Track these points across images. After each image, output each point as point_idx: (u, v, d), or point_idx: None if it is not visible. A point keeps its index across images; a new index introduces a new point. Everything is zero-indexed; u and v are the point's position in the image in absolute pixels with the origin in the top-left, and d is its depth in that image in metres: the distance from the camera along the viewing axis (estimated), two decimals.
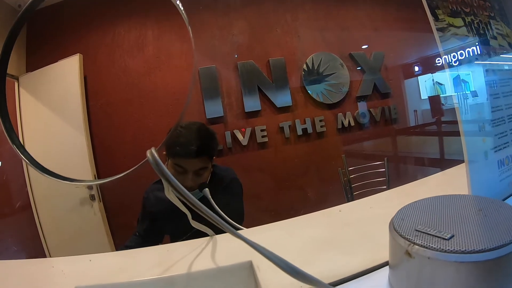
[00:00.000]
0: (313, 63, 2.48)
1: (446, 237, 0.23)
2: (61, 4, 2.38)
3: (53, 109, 2.39)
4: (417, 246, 0.23)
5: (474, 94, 0.54)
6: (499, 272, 0.21)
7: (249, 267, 0.37)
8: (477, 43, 0.59)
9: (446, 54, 0.55)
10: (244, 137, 2.21)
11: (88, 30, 2.33)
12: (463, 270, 0.21)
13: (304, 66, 2.44)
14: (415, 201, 0.31)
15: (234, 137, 2.21)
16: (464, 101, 0.54)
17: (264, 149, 2.28)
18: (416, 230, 0.25)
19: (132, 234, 0.98)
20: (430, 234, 0.24)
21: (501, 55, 0.59)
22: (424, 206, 0.29)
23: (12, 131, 0.46)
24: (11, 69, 2.62)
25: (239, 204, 1.00)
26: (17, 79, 2.60)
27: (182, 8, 0.39)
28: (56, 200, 2.45)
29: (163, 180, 0.39)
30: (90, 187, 2.32)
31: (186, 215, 0.90)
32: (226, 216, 0.58)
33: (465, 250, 0.22)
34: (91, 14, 2.34)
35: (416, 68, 3.21)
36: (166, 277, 0.38)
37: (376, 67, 2.76)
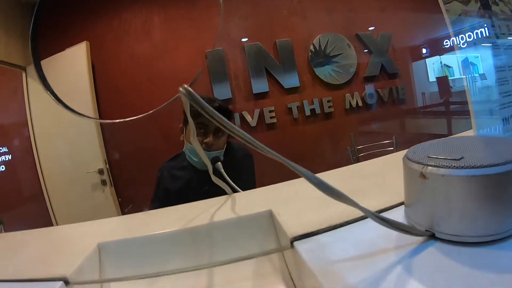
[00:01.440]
0: (320, 44, 2.46)
1: (457, 158, 0.25)
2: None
3: (62, 97, 2.40)
4: (430, 167, 0.25)
5: (483, 77, 0.54)
6: (507, 184, 0.23)
7: (269, 215, 0.39)
8: (485, 25, 0.58)
9: (455, 35, 0.55)
10: (252, 119, 2.21)
11: (94, 17, 2.33)
12: (474, 184, 0.23)
13: (311, 47, 2.42)
14: (425, 142, 0.32)
15: (242, 118, 2.22)
16: (473, 84, 0.55)
17: (273, 130, 2.28)
18: (428, 157, 0.26)
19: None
20: (442, 158, 0.26)
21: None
22: (434, 144, 0.31)
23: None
24: (18, 59, 2.63)
25: (251, 179, 1.02)
26: (25, 70, 2.62)
27: None
28: (68, 187, 2.48)
29: (190, 122, 0.41)
30: (101, 172, 2.35)
31: (201, 191, 0.91)
32: (236, 187, 0.60)
33: (475, 165, 0.23)
34: (96, 1, 2.34)
35: (424, 50, 3.17)
36: (190, 228, 0.39)
37: (383, 48, 2.73)
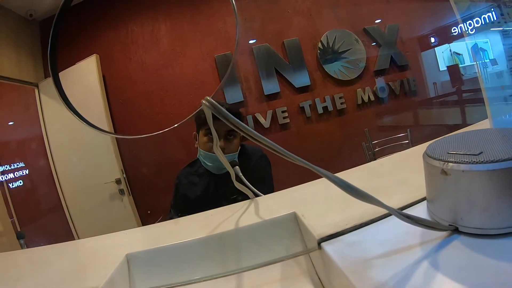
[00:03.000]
0: (328, 41, 2.44)
1: (476, 153, 0.25)
2: (71, 8, 2.41)
3: (76, 108, 2.44)
4: (451, 164, 0.25)
5: (494, 62, 0.53)
6: None
7: (294, 217, 0.38)
8: (492, 9, 0.57)
9: (463, 22, 0.53)
10: (265, 120, 2.20)
11: (102, 30, 2.36)
12: (494, 178, 0.23)
13: (319, 45, 2.40)
14: (442, 137, 0.33)
15: (255, 120, 2.21)
16: (484, 70, 0.53)
17: (286, 130, 2.27)
18: (448, 153, 0.27)
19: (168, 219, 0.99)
20: (461, 154, 0.26)
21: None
22: (452, 139, 0.31)
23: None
24: (29, 76, 2.68)
25: (269, 179, 1.02)
26: (37, 86, 2.67)
27: None
28: (86, 198, 2.51)
29: (213, 132, 0.43)
30: (118, 182, 2.37)
31: (219, 196, 0.91)
32: (256, 190, 0.59)
33: (494, 159, 0.24)
34: (102, 14, 2.37)
35: (433, 39, 3.12)
36: (216, 235, 0.38)
37: (392, 40, 2.69)
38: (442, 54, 3.21)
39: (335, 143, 2.36)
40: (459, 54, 3.27)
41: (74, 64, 2.39)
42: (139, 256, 0.38)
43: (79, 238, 2.51)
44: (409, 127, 2.39)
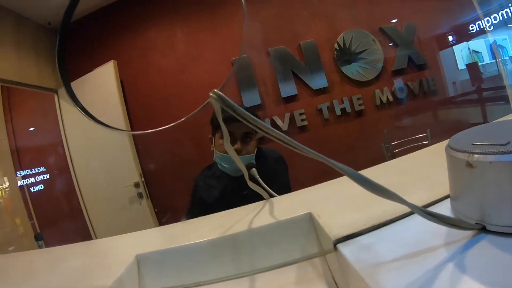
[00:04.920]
0: (344, 42, 2.41)
1: (504, 143, 0.23)
2: (89, 16, 2.46)
3: (95, 113, 2.48)
4: (477, 155, 0.23)
5: None
6: None
7: (309, 218, 0.37)
8: (509, 4, 0.53)
9: (480, 19, 0.50)
10: (283, 123, 2.19)
11: (119, 36, 2.39)
12: None
13: (336, 46, 2.38)
14: (466, 129, 0.31)
15: (273, 123, 2.20)
16: (504, 67, 0.50)
17: (305, 132, 2.24)
18: (473, 144, 0.25)
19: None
20: (488, 144, 0.24)
21: None
22: (476, 130, 0.29)
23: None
24: (49, 83, 2.74)
25: (286, 181, 1.01)
26: (56, 92, 2.72)
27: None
28: (106, 202, 2.54)
29: (222, 128, 0.41)
30: (137, 185, 2.39)
31: (237, 198, 0.90)
32: (272, 192, 0.58)
33: None
34: (120, 21, 2.40)
35: (450, 38, 3.05)
36: (229, 235, 0.38)
37: (409, 39, 2.64)
38: (461, 53, 3.13)
39: (354, 145, 2.32)
40: (477, 52, 3.19)
41: (92, 70, 2.44)
42: (149, 257, 0.38)
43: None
44: (429, 127, 2.34)
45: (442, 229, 0.25)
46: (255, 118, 0.30)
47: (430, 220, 0.24)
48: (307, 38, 2.33)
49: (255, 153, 0.93)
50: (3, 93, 2.83)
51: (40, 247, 2.35)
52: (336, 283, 0.33)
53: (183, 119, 0.39)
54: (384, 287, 0.21)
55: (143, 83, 2.29)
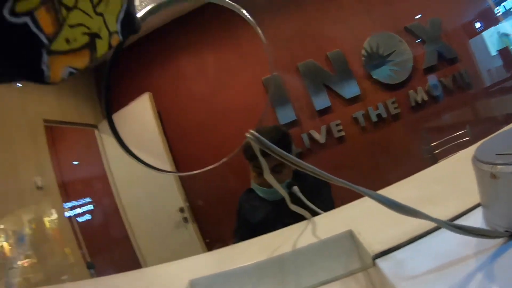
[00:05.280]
0: (371, 47, 2.39)
1: None
2: (120, 51, 2.58)
3: (135, 146, 2.56)
4: (499, 166, 0.24)
5: None
6: None
7: (350, 235, 0.39)
8: None
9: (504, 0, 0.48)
10: (320, 135, 2.19)
11: (151, 68, 2.50)
12: None
13: (363, 52, 2.36)
14: (492, 136, 0.32)
15: (311, 137, 2.21)
16: None
17: (343, 143, 2.24)
18: (497, 154, 0.26)
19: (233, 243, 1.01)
20: (510, 154, 0.25)
21: None
22: (501, 137, 0.30)
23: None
24: (89, 119, 2.89)
25: (328, 194, 1.01)
26: (96, 127, 2.87)
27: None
28: (152, 228, 2.63)
29: (261, 161, 0.43)
30: (182, 210, 2.47)
31: (281, 218, 0.91)
32: (317, 208, 0.60)
33: None
34: (149, 54, 2.51)
35: (478, 24, 2.94)
36: (275, 257, 0.39)
37: (436, 34, 2.58)
38: (491, 38, 3.01)
39: (393, 150, 2.28)
40: (508, 35, 3.05)
41: (128, 104, 2.55)
42: (201, 282, 0.40)
43: (147, 267, 2.63)
44: (468, 123, 2.26)
45: (474, 238, 0.26)
46: (288, 154, 0.33)
47: (457, 232, 0.25)
48: (333, 48, 2.33)
49: (291, 177, 0.94)
50: (47, 131, 3.02)
51: (92, 275, 2.45)
52: None
53: (224, 159, 0.42)
54: None
55: (178, 111, 2.38)
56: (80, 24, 0.18)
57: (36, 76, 0.17)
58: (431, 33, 2.55)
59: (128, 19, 0.22)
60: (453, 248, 0.27)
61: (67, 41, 0.17)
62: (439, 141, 2.26)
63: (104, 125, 2.79)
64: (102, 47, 0.20)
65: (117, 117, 2.60)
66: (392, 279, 0.26)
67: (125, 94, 2.54)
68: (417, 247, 0.30)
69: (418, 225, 0.32)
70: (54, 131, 3.02)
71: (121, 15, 0.21)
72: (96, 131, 2.87)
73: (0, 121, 2.19)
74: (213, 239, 2.33)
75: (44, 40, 0.16)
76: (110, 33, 0.20)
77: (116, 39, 0.21)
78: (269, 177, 0.46)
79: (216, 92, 2.32)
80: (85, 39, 0.19)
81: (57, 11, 0.16)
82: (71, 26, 0.17)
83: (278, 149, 0.34)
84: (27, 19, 0.14)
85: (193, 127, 2.33)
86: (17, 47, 0.15)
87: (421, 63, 2.47)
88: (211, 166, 0.42)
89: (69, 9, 0.17)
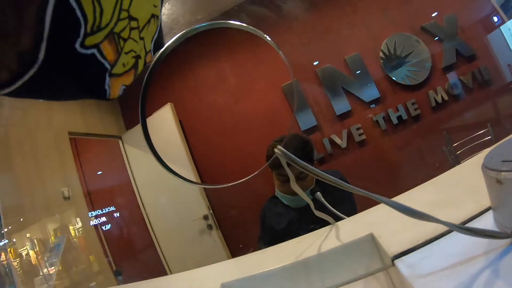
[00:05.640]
0: (388, 48, 2.39)
1: None
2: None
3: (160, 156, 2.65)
4: (504, 172, 0.26)
5: None
6: None
7: (371, 238, 0.41)
8: None
9: None
10: (342, 140, 2.21)
11: (171, 79, 2.57)
12: None
13: (381, 54, 2.37)
14: (500, 143, 0.34)
15: (332, 142, 2.23)
16: None
17: (364, 146, 2.24)
18: (502, 161, 0.27)
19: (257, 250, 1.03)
20: None
21: None
22: (508, 144, 0.32)
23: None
24: (113, 130, 2.98)
25: (350, 201, 1.02)
26: (120, 138, 2.96)
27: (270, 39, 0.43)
28: (177, 236, 2.69)
29: (288, 173, 0.48)
30: (206, 218, 2.52)
31: (305, 224, 0.93)
32: (340, 214, 0.62)
33: None
34: (169, 64, 2.58)
35: (495, 19, 2.89)
36: (300, 261, 0.42)
37: (452, 32, 2.55)
38: (509, 31, 2.95)
39: (416, 152, 2.28)
40: None
41: (151, 114, 2.63)
42: (233, 285, 0.42)
43: (172, 274, 2.69)
44: (490, 121, 2.23)
45: (484, 239, 0.28)
46: (312, 167, 0.37)
47: (467, 234, 0.27)
48: (351, 51, 2.34)
49: (314, 184, 0.97)
50: (72, 143, 3.13)
51: (120, 282, 2.50)
52: None
53: (250, 176, 0.44)
54: None
55: (200, 120, 2.43)
56: (131, 50, 0.21)
57: (100, 94, 0.20)
58: (448, 31, 2.52)
59: (159, 39, 0.25)
60: (464, 248, 0.29)
61: (123, 65, 0.21)
62: (461, 141, 2.24)
63: (128, 136, 2.87)
64: (141, 65, 0.24)
65: (141, 127, 2.68)
66: (409, 277, 0.28)
67: (148, 105, 2.59)
68: (432, 248, 0.32)
69: (433, 228, 0.34)
70: (78, 143, 3.13)
71: (155, 36, 0.25)
72: (120, 142, 2.96)
73: (28, 135, 2.28)
74: (245, 245, 2.36)
75: (107, 66, 0.19)
76: (146, 53, 0.24)
77: (149, 57, 0.25)
78: (295, 187, 0.51)
79: (236, 100, 2.37)
80: (133, 61, 0.22)
81: (117, 43, 0.19)
82: (126, 53, 0.21)
83: (304, 163, 0.37)
84: (94, 51, 0.18)
85: (215, 136, 2.39)
86: (86, 72, 0.18)
87: (440, 62, 2.45)
88: (239, 181, 0.45)
89: (125, 40, 0.20)
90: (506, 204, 0.28)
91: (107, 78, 0.20)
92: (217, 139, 2.38)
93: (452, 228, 0.28)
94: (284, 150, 0.39)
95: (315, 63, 2.33)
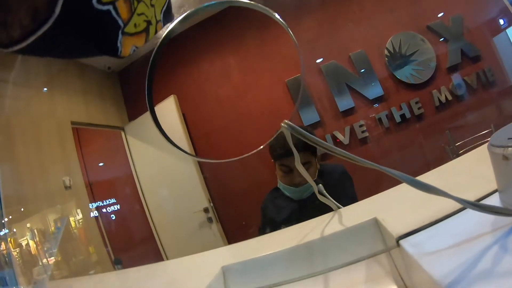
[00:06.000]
0: (393, 46, 2.39)
1: None
2: (144, 55, 2.66)
3: (161, 148, 2.66)
4: (510, 148, 0.26)
5: None
6: None
7: (375, 222, 0.41)
8: None
9: None
10: (344, 137, 2.21)
11: (175, 72, 2.57)
12: None
13: (386, 52, 2.36)
14: (507, 125, 0.33)
15: (335, 138, 2.23)
16: None
17: (366, 144, 2.25)
18: (509, 139, 0.27)
19: None
20: None
21: None
22: None
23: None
24: (116, 121, 2.99)
25: (352, 193, 1.03)
26: (123, 129, 2.96)
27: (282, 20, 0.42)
28: (177, 228, 2.70)
29: (293, 151, 0.46)
30: (206, 210, 2.53)
31: (306, 217, 0.93)
32: (340, 205, 0.61)
33: None
34: (174, 57, 2.58)
35: (501, 21, 2.88)
36: (303, 244, 0.42)
37: (458, 32, 2.55)
38: None
39: (418, 151, 2.28)
40: None
41: (155, 105, 2.63)
42: (233, 268, 0.42)
43: None
44: (493, 122, 2.23)
45: (491, 219, 0.28)
46: (321, 140, 0.36)
47: (472, 209, 0.27)
48: (356, 49, 2.34)
49: (316, 177, 0.97)
50: (74, 133, 3.14)
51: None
52: (402, 279, 0.36)
53: (255, 150, 0.43)
54: (437, 270, 0.24)
55: (203, 114, 2.44)
56: (143, 13, 0.22)
57: (112, 51, 0.21)
58: (454, 31, 2.52)
59: (168, 11, 0.26)
60: (471, 228, 0.29)
61: (135, 25, 0.22)
62: (463, 141, 2.24)
63: (130, 127, 2.88)
64: (152, 32, 0.24)
65: (144, 119, 2.69)
66: (415, 255, 0.28)
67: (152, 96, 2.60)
68: (438, 228, 0.32)
69: (438, 210, 0.35)
70: (81, 133, 3.13)
71: (164, 8, 0.26)
72: (122, 133, 2.96)
73: (30, 124, 2.29)
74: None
75: (121, 24, 0.20)
76: (157, 21, 0.25)
77: (160, 26, 0.25)
78: (299, 166, 0.50)
79: (239, 95, 2.37)
80: (144, 24, 0.23)
81: (131, 2, 0.20)
82: (138, 14, 0.22)
83: (312, 136, 0.36)
84: (110, 7, 0.18)
85: (217, 129, 2.39)
86: (100, 28, 0.19)
87: (445, 62, 2.45)
88: (238, 158, 0.44)
89: (138, 1, 0.21)
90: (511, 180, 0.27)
91: (120, 35, 0.21)
92: (219, 133, 2.39)
93: (457, 200, 0.27)
94: (290, 123, 0.38)
95: (319, 60, 2.32)
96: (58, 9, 0.15)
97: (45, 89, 2.56)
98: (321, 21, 2.40)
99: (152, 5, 0.23)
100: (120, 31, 0.20)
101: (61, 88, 2.66)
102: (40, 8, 0.14)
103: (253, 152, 0.42)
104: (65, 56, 0.19)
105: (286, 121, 0.39)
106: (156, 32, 0.25)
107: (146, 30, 0.23)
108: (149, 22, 0.23)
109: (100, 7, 0.17)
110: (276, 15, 0.42)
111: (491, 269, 0.22)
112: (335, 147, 0.35)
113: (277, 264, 0.42)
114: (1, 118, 2.11)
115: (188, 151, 2.46)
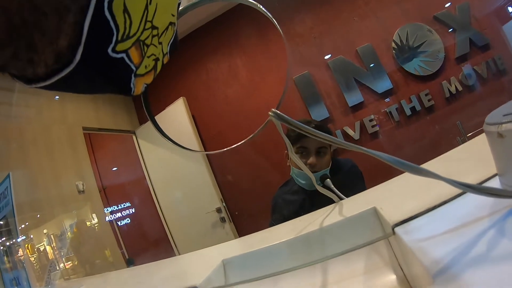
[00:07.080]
0: (400, 39, 2.37)
1: None
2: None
3: (172, 150, 2.70)
4: (504, 124, 0.25)
5: None
6: None
7: (374, 211, 0.40)
8: None
9: None
10: (354, 132, 2.21)
11: (183, 74, 2.60)
12: None
13: (393, 44, 2.35)
14: (503, 104, 0.32)
15: (345, 134, 2.23)
16: None
17: (377, 138, 2.24)
18: (503, 115, 0.26)
19: None
20: None
21: None
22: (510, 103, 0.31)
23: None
24: (127, 125, 3.03)
25: (362, 188, 1.02)
26: (134, 133, 3.01)
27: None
28: (190, 229, 2.73)
29: (285, 141, 0.45)
30: (219, 211, 2.56)
31: (315, 209, 0.93)
32: (344, 196, 0.61)
33: None
34: (182, 59, 2.61)
35: (510, 9, 2.83)
36: (302, 235, 0.42)
37: (465, 21, 2.52)
38: None
39: (430, 143, 2.26)
40: None
41: (164, 108, 2.67)
42: (233, 260, 0.44)
43: None
44: None
45: (489, 202, 0.27)
46: (309, 127, 0.34)
47: (465, 190, 0.26)
48: (363, 43, 2.33)
49: (329, 167, 0.96)
50: (86, 139, 3.21)
51: None
52: (401, 267, 0.36)
53: (248, 138, 0.43)
54: (429, 255, 0.24)
55: (212, 114, 2.46)
56: (152, 54, 0.24)
57: (126, 91, 0.23)
58: (461, 21, 2.49)
59: (174, 42, 0.28)
60: (467, 213, 0.28)
61: (145, 67, 0.24)
62: (475, 131, 2.21)
63: (142, 131, 2.92)
64: (159, 66, 0.26)
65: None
66: (409, 242, 0.28)
67: (161, 99, 2.65)
68: (434, 214, 0.31)
69: (435, 198, 0.34)
70: (93, 139, 3.19)
71: (172, 40, 0.27)
72: (133, 137, 3.01)
73: (42, 131, 2.34)
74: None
75: (133, 68, 0.22)
76: (163, 55, 0.26)
77: (166, 58, 0.27)
78: (293, 156, 0.50)
79: (248, 94, 2.38)
80: (153, 63, 0.25)
81: (142, 49, 0.22)
82: (148, 57, 0.24)
83: (299, 123, 0.35)
84: (123, 55, 0.20)
85: (226, 128, 2.41)
86: (115, 72, 0.21)
87: (453, 52, 2.42)
88: (241, 142, 0.44)
89: (148, 46, 0.23)
90: (509, 159, 0.26)
91: (133, 77, 0.23)
92: (228, 132, 2.41)
93: (448, 182, 0.26)
94: (277, 111, 0.37)
95: (326, 57, 2.32)
96: (78, 56, 0.17)
97: (57, 97, 2.61)
98: (327, 17, 2.40)
99: (160, 43, 0.25)
100: (132, 74, 0.22)
101: (71, 95, 2.71)
102: (63, 52, 0.16)
103: (248, 139, 0.44)
104: (85, 93, 0.22)
105: (273, 109, 0.38)
106: (163, 64, 0.27)
107: (154, 68, 0.26)
108: (157, 59, 0.25)
109: (114, 55, 0.19)
110: (260, 6, 0.41)
111: (486, 253, 0.21)
112: (322, 133, 0.34)
113: (276, 255, 0.43)
114: (13, 126, 2.16)
115: (199, 153, 2.49)
